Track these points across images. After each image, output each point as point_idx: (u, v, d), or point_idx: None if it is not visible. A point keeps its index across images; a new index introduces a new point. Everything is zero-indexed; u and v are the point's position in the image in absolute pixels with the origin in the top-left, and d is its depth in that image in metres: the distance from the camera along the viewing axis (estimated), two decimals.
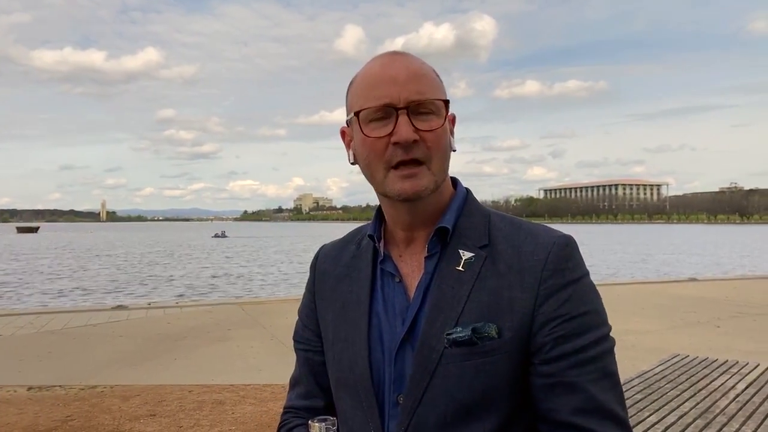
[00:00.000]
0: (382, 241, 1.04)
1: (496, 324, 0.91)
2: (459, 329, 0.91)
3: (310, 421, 0.94)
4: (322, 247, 1.18)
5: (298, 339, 1.15)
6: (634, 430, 2.66)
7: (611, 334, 0.96)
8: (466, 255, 0.96)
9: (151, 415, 4.79)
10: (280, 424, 1.15)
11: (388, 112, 0.93)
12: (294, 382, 1.16)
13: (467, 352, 0.91)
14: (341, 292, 1.06)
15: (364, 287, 1.03)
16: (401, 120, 0.92)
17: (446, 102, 0.96)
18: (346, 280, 1.07)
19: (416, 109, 0.93)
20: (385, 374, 0.97)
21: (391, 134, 0.93)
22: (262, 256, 40.75)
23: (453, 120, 1.01)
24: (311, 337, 1.11)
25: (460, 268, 0.95)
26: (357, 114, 0.95)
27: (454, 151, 1.00)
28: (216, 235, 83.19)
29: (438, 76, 0.99)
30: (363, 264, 1.05)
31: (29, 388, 5.60)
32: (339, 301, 1.06)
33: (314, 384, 1.11)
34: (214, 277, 24.40)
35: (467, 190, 1.05)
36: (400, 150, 0.92)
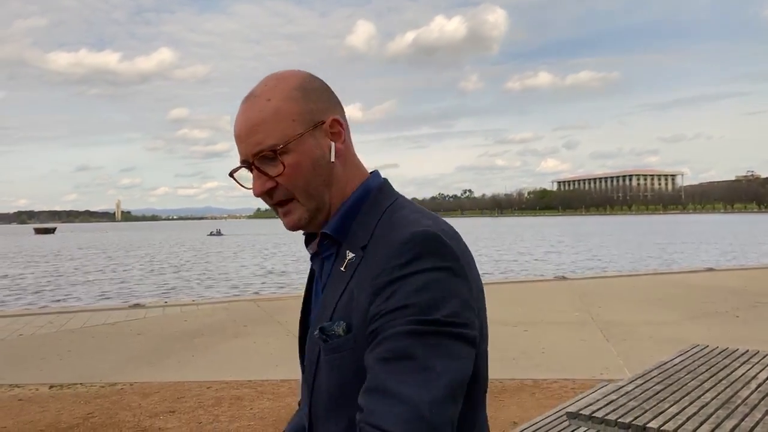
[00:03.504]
0: (317, 239, 1.10)
1: (348, 322, 0.95)
2: (318, 328, 1.00)
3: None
4: None
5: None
6: (654, 421, 2.64)
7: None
8: (349, 256, 1.00)
9: (170, 411, 4.84)
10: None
11: (248, 165, 1.02)
12: None
13: (325, 348, 0.98)
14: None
15: (308, 282, 1.15)
16: (254, 175, 1.02)
17: (298, 136, 0.98)
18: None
19: (262, 159, 0.99)
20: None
21: None
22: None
23: (337, 124, 1.03)
24: None
25: (343, 268, 1.00)
26: None
27: (334, 162, 1.02)
28: (211, 233, 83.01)
29: (295, 98, 1.00)
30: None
31: (51, 386, 5.68)
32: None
33: None
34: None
35: (372, 188, 1.06)
36: (266, 198, 1.03)
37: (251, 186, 1.03)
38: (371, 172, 1.09)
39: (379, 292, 0.90)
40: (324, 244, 1.05)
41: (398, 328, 0.86)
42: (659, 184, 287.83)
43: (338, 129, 1.03)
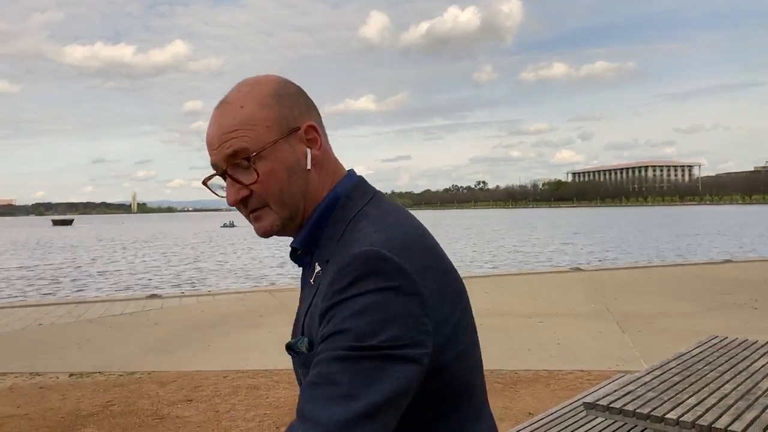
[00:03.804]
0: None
1: (310, 339, 0.95)
2: (285, 344, 1.01)
3: None
4: None
5: None
6: (673, 411, 2.62)
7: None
8: (317, 269, 0.99)
9: (188, 400, 4.90)
10: None
11: (221, 173, 1.01)
12: None
13: (297, 362, 1.01)
14: None
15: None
16: (228, 184, 1.00)
17: (272, 143, 0.96)
18: None
19: (235, 167, 0.97)
20: None
21: None
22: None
23: (313, 130, 1.00)
24: None
25: (312, 281, 1.00)
26: None
27: (310, 169, 1.00)
28: (224, 225, 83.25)
29: (269, 104, 0.98)
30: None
31: (71, 375, 5.77)
32: None
33: None
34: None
35: (341, 195, 1.02)
36: (240, 206, 1.01)
37: (224, 194, 1.01)
38: (347, 172, 1.06)
39: (323, 316, 0.88)
40: (298, 254, 1.06)
41: (330, 353, 0.84)
42: (675, 175, 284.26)
43: (314, 135, 1.01)
